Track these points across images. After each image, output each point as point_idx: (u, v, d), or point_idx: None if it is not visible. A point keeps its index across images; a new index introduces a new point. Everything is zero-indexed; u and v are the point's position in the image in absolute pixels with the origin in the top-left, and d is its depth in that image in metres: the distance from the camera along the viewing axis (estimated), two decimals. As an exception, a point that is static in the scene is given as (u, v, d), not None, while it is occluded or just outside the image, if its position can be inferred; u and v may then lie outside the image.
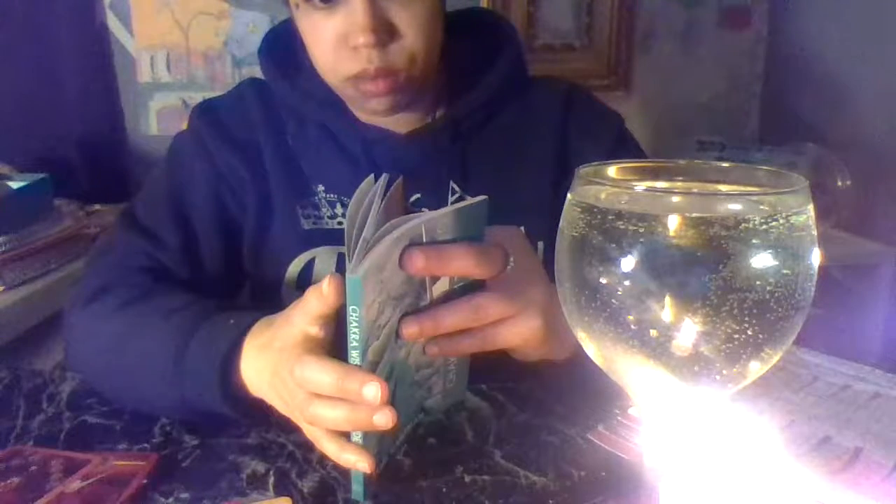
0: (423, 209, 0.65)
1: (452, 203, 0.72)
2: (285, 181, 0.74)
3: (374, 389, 0.43)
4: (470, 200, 0.50)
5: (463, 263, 0.48)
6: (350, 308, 0.43)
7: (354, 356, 0.44)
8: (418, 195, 0.72)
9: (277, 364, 0.48)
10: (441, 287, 0.50)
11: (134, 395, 0.60)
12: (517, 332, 0.52)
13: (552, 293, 0.52)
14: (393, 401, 0.45)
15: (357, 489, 0.47)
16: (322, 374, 0.44)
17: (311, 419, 0.46)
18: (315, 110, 0.74)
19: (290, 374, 0.46)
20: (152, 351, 0.57)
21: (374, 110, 0.70)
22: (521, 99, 0.78)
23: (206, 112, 0.76)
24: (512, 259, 0.51)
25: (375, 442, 0.47)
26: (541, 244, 0.72)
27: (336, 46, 0.65)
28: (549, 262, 0.36)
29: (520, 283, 0.52)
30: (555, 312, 0.52)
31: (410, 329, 0.48)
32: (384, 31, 0.64)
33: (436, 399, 0.56)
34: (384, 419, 0.44)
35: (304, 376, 0.45)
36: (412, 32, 0.65)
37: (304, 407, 0.46)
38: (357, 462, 0.46)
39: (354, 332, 0.43)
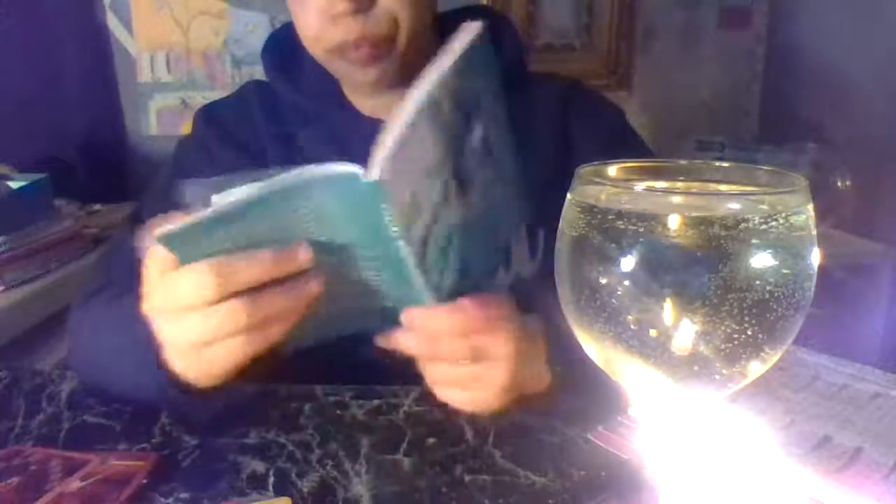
0: None
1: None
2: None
3: (303, 253, 0.45)
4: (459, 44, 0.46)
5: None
6: (381, 207, 0.42)
7: (400, 245, 0.44)
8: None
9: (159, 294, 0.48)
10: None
11: (120, 386, 0.59)
12: (486, 381, 0.52)
13: (524, 335, 0.52)
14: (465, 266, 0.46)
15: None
16: (252, 266, 0.45)
17: (260, 311, 0.46)
18: (317, 106, 0.74)
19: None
20: (128, 333, 0.56)
21: (361, 82, 0.70)
22: (521, 94, 0.78)
23: (208, 115, 0.77)
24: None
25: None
26: (541, 232, 0.72)
27: (319, 17, 0.65)
28: (548, 256, 0.36)
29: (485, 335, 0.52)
30: (526, 350, 0.52)
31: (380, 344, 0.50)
32: None
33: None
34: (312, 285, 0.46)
35: (238, 273, 0.45)
36: (401, 12, 0.65)
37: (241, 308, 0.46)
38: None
39: (394, 228, 0.43)
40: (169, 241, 0.45)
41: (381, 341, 0.52)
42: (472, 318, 0.50)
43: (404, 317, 0.50)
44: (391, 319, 0.50)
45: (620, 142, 0.78)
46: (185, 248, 0.46)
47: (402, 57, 0.68)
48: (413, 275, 0.45)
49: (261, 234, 0.45)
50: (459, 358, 0.51)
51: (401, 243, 0.44)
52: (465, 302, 0.49)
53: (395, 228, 0.43)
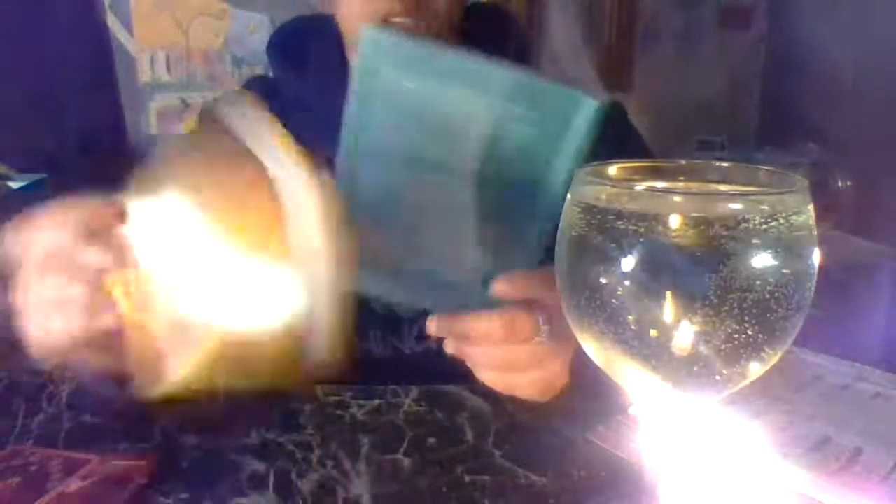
0: None
1: None
2: None
3: None
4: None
5: (484, 328, 0.48)
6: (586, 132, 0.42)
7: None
8: None
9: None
10: None
11: None
12: (543, 372, 0.51)
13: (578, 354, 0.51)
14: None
15: None
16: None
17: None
18: (324, 101, 0.74)
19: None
20: None
21: None
22: None
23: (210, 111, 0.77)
24: (546, 329, 0.49)
25: None
26: None
27: None
28: (549, 255, 0.36)
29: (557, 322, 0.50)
30: (575, 370, 0.52)
31: (430, 326, 0.49)
32: None
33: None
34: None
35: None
36: None
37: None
38: None
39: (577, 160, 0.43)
40: (375, 40, 0.44)
41: (437, 325, 0.50)
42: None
43: (500, 283, 0.47)
44: (455, 292, 0.50)
45: (622, 140, 0.78)
46: (379, 61, 0.44)
47: None
48: (538, 224, 0.45)
49: (440, 118, 0.43)
50: (537, 335, 0.49)
51: (565, 183, 0.43)
52: (545, 269, 0.49)
53: (577, 163, 0.43)
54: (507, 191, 0.45)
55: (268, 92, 0.77)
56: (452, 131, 0.43)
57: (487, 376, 0.53)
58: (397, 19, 0.66)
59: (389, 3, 0.65)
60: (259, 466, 0.51)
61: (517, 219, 0.46)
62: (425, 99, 0.43)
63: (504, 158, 0.44)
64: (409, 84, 0.43)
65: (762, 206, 0.29)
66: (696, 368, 0.30)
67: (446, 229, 0.47)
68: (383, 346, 0.73)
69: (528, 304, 0.49)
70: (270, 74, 0.80)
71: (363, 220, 0.48)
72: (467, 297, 0.50)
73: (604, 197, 0.31)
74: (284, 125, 0.75)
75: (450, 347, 0.52)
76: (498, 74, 0.42)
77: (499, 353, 0.50)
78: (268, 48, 0.77)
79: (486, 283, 0.48)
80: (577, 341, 0.51)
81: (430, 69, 0.42)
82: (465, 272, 0.49)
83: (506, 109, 0.42)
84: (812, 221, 0.31)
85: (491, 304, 0.49)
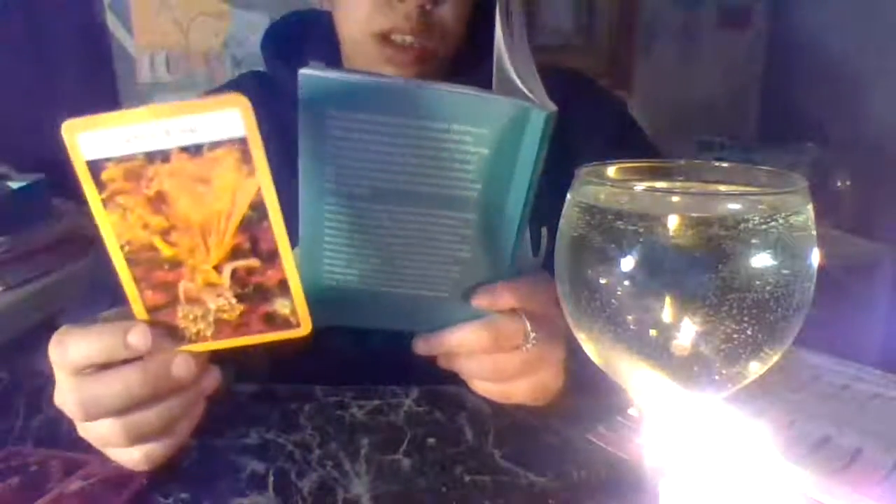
0: None
1: None
2: (286, 169, 0.73)
3: (136, 337, 0.42)
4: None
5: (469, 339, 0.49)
6: (541, 142, 0.42)
7: (524, 194, 0.44)
8: None
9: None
10: None
11: None
12: (537, 377, 0.51)
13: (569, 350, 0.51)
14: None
15: None
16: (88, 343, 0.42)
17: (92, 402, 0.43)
18: None
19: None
20: None
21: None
22: None
23: None
24: (533, 335, 0.49)
25: None
26: (544, 230, 0.72)
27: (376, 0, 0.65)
28: (550, 249, 0.36)
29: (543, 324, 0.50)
30: (568, 371, 0.52)
31: (418, 347, 0.50)
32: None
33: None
34: (136, 339, 0.42)
35: (72, 354, 0.42)
36: (453, 15, 0.66)
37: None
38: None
39: (536, 172, 0.43)
40: (314, 82, 0.44)
41: (423, 345, 0.51)
42: (543, 295, 0.48)
43: (482, 295, 0.48)
44: (433, 317, 0.50)
45: (624, 132, 0.78)
46: (322, 104, 0.44)
47: (436, 64, 0.69)
48: (508, 236, 0.45)
49: (387, 148, 0.42)
50: (526, 341, 0.50)
51: (527, 193, 0.43)
52: (527, 278, 0.49)
53: (536, 173, 0.43)
54: (474, 210, 0.45)
55: (261, 86, 0.76)
56: (410, 160, 0.43)
57: (481, 386, 0.53)
58: (399, 35, 0.66)
59: (393, 18, 0.64)
60: (259, 466, 0.51)
61: (486, 236, 0.46)
62: (377, 132, 0.42)
63: (466, 179, 0.43)
64: (357, 120, 0.42)
65: (761, 207, 0.29)
66: (695, 368, 0.30)
67: (419, 255, 0.47)
68: (383, 346, 0.73)
69: (513, 312, 0.49)
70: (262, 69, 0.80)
71: (333, 256, 0.48)
72: (452, 316, 0.50)
73: (604, 197, 0.31)
74: (279, 118, 0.75)
75: (441, 363, 0.53)
76: (447, 98, 0.41)
77: (489, 363, 0.50)
78: (262, 42, 0.77)
79: (466, 298, 0.48)
80: (569, 343, 0.51)
81: (377, 102, 0.41)
82: (444, 293, 0.49)
83: (460, 132, 0.42)
84: (812, 221, 0.31)
85: (476, 318, 0.49)
